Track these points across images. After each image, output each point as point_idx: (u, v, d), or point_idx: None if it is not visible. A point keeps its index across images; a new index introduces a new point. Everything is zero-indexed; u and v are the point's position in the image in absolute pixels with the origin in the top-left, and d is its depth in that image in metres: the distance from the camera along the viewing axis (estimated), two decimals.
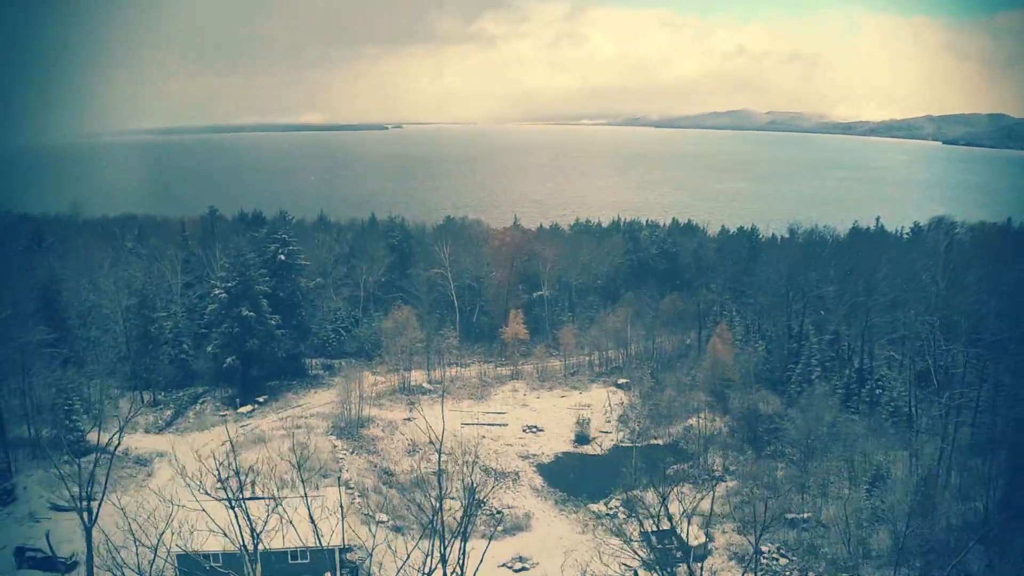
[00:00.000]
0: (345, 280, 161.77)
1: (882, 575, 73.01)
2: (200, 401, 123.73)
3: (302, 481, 60.64)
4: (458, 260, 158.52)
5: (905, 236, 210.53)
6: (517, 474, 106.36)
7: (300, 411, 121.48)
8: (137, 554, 56.44)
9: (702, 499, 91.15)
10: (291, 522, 60.36)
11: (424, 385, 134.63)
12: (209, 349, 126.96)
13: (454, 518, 72.34)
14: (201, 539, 64.42)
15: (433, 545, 54.15)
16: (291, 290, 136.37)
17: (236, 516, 52.88)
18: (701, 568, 66.34)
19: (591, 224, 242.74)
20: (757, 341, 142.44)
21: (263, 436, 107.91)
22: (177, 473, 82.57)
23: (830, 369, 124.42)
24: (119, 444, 60.95)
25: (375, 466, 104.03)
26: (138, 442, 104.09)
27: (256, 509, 71.99)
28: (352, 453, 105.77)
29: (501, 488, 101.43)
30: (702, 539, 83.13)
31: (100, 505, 58.19)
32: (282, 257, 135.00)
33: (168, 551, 70.47)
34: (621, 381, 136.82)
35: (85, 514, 56.10)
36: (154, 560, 51.06)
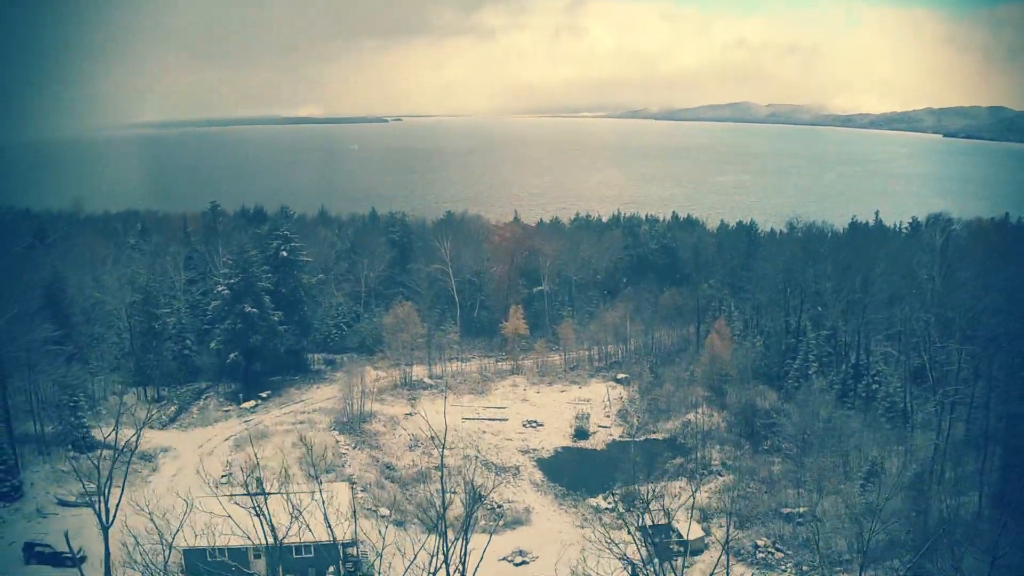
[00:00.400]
0: (346, 275, 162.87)
1: (875, 570, 74.13)
2: (203, 397, 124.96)
3: (316, 477, 61.70)
4: (458, 255, 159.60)
5: (904, 231, 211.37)
6: (517, 469, 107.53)
7: (303, 406, 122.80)
8: (140, 551, 57.99)
9: (696, 493, 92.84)
10: (296, 517, 61.84)
11: (425, 380, 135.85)
12: (212, 345, 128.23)
13: (456, 514, 73.87)
14: (207, 534, 65.83)
15: (436, 541, 55.62)
16: (293, 286, 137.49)
17: (260, 514, 53.94)
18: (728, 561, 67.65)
19: (591, 219, 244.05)
20: (755, 336, 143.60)
21: (266, 432, 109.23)
22: (182, 469, 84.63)
23: (827, 364, 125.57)
24: (136, 446, 61.92)
25: (377, 461, 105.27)
26: (142, 437, 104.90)
27: (262, 504, 73.45)
28: (354, 448, 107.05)
29: (501, 483, 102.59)
30: (699, 533, 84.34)
31: (118, 505, 59.20)
32: (284, 254, 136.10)
33: (174, 546, 72.09)
34: (620, 376, 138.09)
35: (103, 513, 57.01)
36: (168, 554, 52.23)
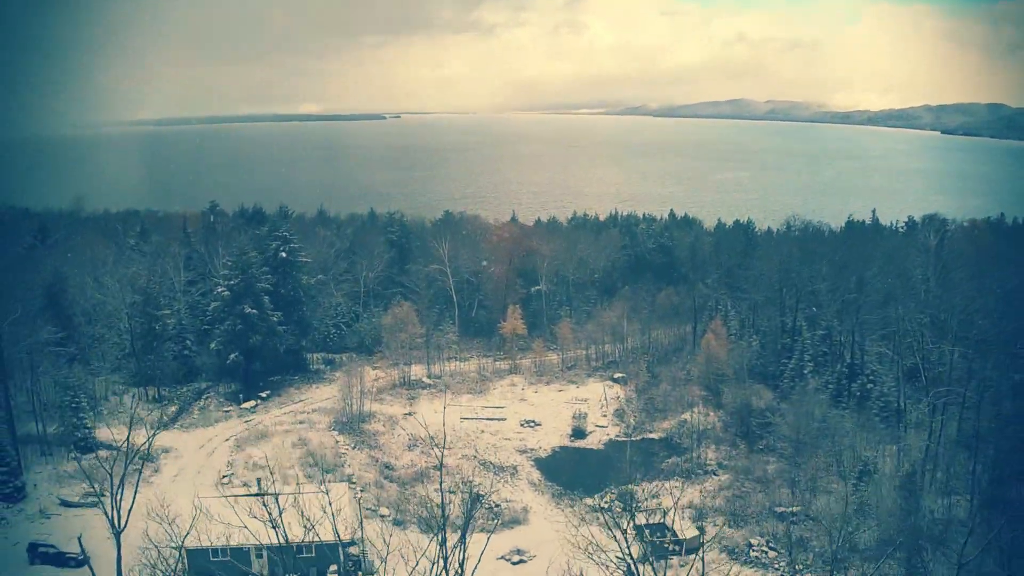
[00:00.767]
0: (345, 275, 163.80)
1: (867, 568, 75.20)
2: (204, 397, 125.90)
3: (323, 480, 62.52)
4: (457, 255, 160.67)
5: (900, 230, 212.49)
6: (515, 468, 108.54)
7: (302, 406, 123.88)
8: (150, 554, 59.08)
9: (691, 492, 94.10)
10: (299, 517, 62.90)
11: (424, 380, 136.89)
12: (212, 346, 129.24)
13: (454, 512, 74.86)
14: (209, 534, 66.87)
15: (435, 540, 56.59)
16: (292, 287, 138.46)
17: (268, 514, 54.77)
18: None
19: (588, 218, 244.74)
20: (752, 335, 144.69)
21: (267, 432, 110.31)
22: (183, 469, 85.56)
23: (822, 364, 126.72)
24: (148, 452, 62.64)
25: (376, 461, 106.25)
26: (143, 437, 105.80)
27: (264, 504, 74.54)
28: (354, 448, 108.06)
29: (499, 482, 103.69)
30: (694, 532, 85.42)
31: (131, 510, 60.02)
32: (283, 255, 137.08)
33: (175, 546, 73.18)
34: (617, 375, 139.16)
35: (115, 518, 57.86)
36: (180, 555, 53.16)
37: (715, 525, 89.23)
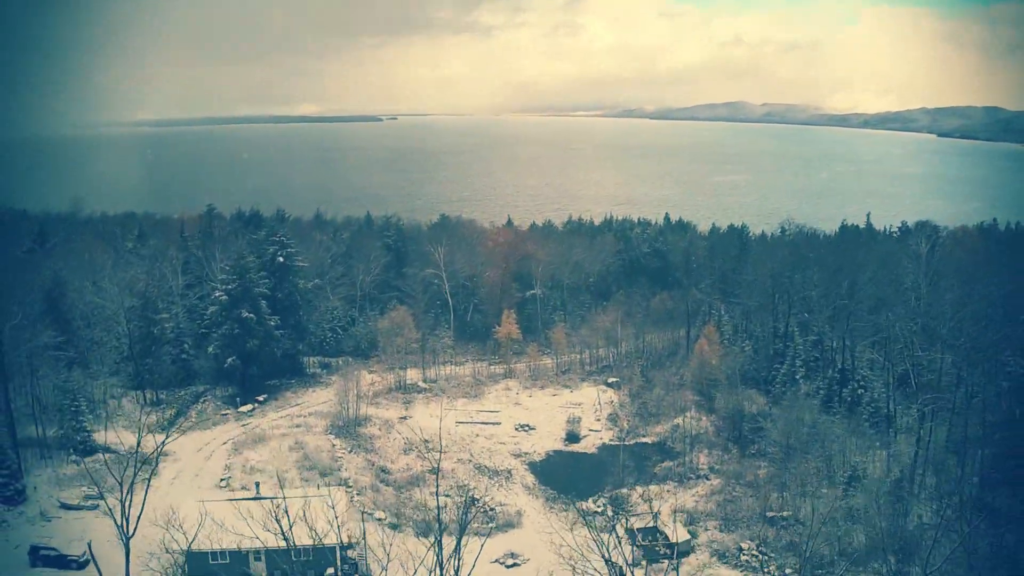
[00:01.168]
0: (342, 279, 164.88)
1: (856, 572, 76.57)
2: (201, 400, 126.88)
3: (327, 484, 63.82)
4: (452, 260, 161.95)
5: (894, 234, 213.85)
6: (509, 472, 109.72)
7: (299, 410, 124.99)
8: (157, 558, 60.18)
9: (683, 497, 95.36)
10: (297, 520, 64.16)
11: (420, 384, 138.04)
12: (210, 350, 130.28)
13: (450, 516, 76.11)
14: (209, 537, 68.02)
15: (431, 543, 57.81)
16: (289, 291, 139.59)
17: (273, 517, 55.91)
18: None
19: (583, 222, 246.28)
20: (744, 341, 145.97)
21: (264, 435, 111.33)
22: (181, 472, 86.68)
23: (814, 369, 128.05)
24: (157, 459, 63.66)
25: (372, 464, 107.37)
26: (142, 441, 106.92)
27: (261, 508, 75.84)
28: (350, 452, 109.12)
29: (494, 486, 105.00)
30: (686, 536, 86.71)
31: (139, 517, 61.07)
32: (281, 259, 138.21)
33: (177, 550, 74.41)
34: (611, 380, 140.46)
35: (124, 524, 59.01)
36: (187, 557, 54.30)
37: (706, 529, 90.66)
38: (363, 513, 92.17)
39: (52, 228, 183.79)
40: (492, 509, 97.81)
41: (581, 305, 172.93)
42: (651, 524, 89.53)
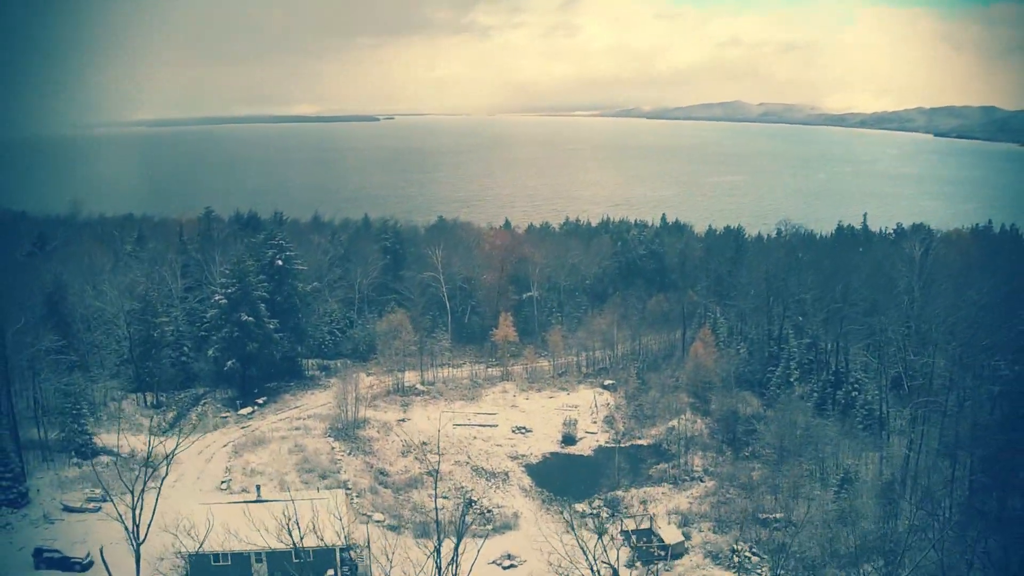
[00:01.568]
0: (340, 282, 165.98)
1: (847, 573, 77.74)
2: (201, 403, 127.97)
3: (330, 482, 64.84)
4: (450, 263, 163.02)
5: (889, 236, 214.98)
6: (506, 474, 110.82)
7: (298, 412, 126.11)
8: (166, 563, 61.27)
9: (676, 499, 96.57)
10: (297, 522, 65.37)
11: (417, 386, 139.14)
12: (210, 353, 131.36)
13: (448, 519, 77.33)
14: (210, 540, 69.16)
15: (429, 545, 58.98)
16: (288, 294, 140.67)
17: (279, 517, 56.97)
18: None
19: (580, 224, 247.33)
20: (740, 343, 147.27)
21: (263, 438, 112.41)
22: (183, 475, 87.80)
23: (808, 372, 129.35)
24: (167, 471, 64.77)
25: (371, 467, 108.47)
26: (143, 444, 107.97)
27: (262, 510, 77.23)
28: (349, 454, 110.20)
29: (491, 488, 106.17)
30: (679, 538, 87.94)
31: (150, 524, 62.00)
32: (279, 262, 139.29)
33: (178, 552, 75.73)
34: (607, 382, 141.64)
35: (135, 531, 60.11)
36: (189, 559, 55.30)
37: (700, 531, 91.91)
38: (362, 515, 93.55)
39: (52, 231, 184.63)
40: (489, 511, 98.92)
41: (578, 307, 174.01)
42: (646, 526, 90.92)
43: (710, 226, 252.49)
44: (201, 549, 69.62)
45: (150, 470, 61.60)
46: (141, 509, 59.04)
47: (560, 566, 61.38)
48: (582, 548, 57.34)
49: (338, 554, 79.27)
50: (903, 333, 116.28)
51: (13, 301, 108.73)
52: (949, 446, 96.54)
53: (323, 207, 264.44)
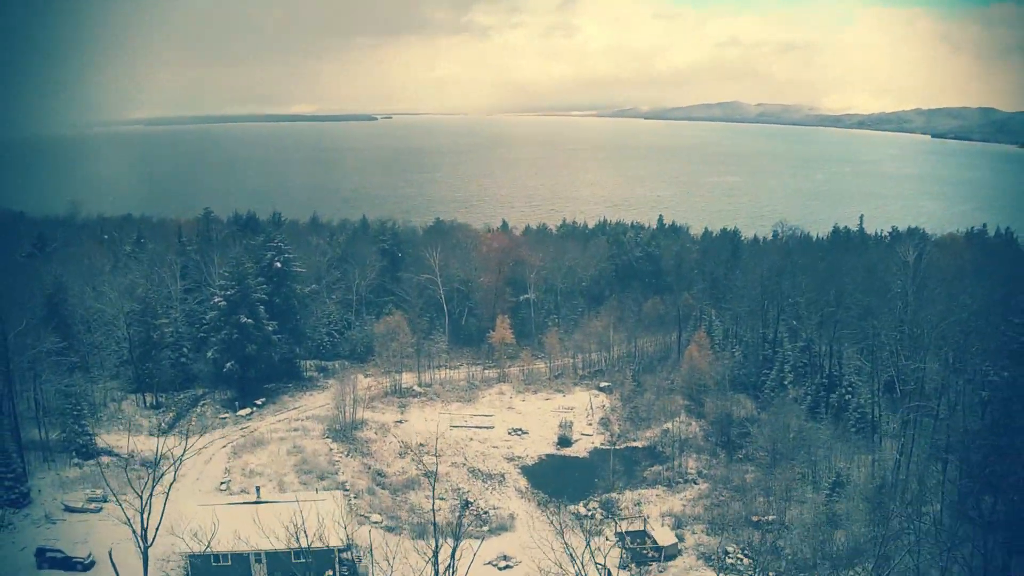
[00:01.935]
0: (338, 283, 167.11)
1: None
2: (200, 404, 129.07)
3: (328, 483, 65.86)
4: (447, 265, 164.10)
5: (885, 239, 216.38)
6: (503, 476, 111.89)
7: (296, 413, 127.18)
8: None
9: (670, 501, 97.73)
10: (296, 523, 66.54)
11: (415, 388, 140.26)
12: (209, 354, 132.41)
13: (445, 520, 78.44)
14: (210, 540, 70.25)
15: (426, 546, 60.04)
16: (287, 296, 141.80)
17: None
18: None
19: (577, 226, 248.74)
20: (735, 346, 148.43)
21: (262, 439, 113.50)
22: (183, 476, 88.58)
23: (802, 375, 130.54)
24: (176, 477, 65.90)
25: (369, 468, 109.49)
26: (143, 444, 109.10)
27: (262, 511, 78.31)
28: (347, 455, 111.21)
29: (488, 489, 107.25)
30: (673, 540, 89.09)
31: (158, 528, 62.99)
32: (278, 265, 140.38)
33: (178, 552, 76.82)
34: (603, 384, 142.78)
35: (143, 535, 61.15)
36: (189, 560, 56.30)
37: (693, 533, 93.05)
38: (360, 516, 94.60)
39: (51, 232, 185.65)
40: (486, 512, 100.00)
41: (574, 309, 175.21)
42: (639, 527, 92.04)
43: (706, 228, 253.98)
44: (201, 550, 70.65)
45: (158, 475, 62.59)
46: (149, 513, 60.07)
47: (550, 572, 62.29)
48: (570, 555, 58.50)
49: (336, 555, 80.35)
50: (896, 337, 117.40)
51: (14, 303, 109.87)
52: (940, 450, 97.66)
53: (321, 208, 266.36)
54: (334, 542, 76.67)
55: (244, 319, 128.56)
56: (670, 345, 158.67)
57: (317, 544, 70.91)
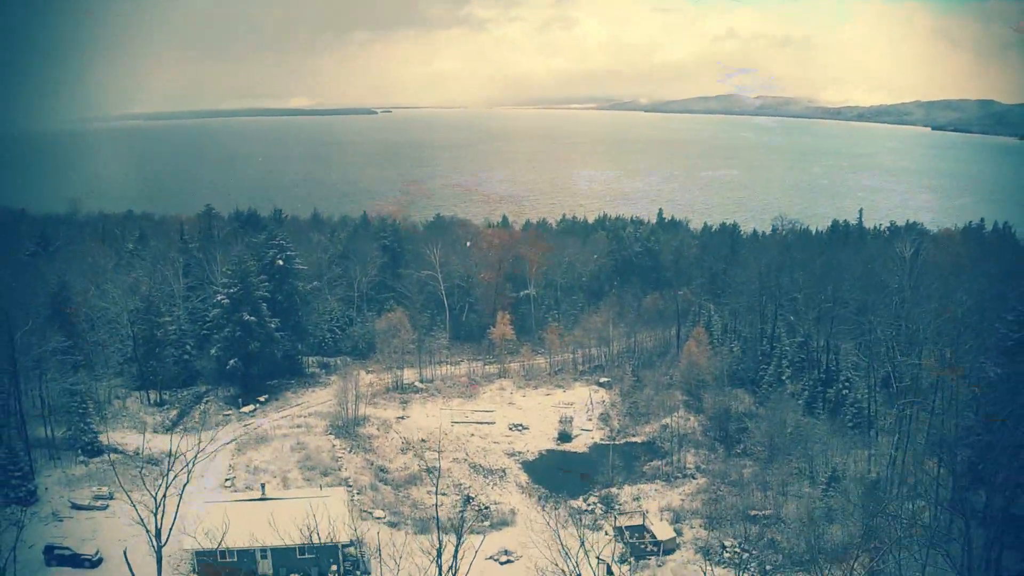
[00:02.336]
0: (339, 280, 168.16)
1: (833, 570, 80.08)
2: (204, 400, 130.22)
3: (331, 480, 67.04)
4: (448, 261, 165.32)
5: (884, 233, 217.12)
6: (504, 471, 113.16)
7: (299, 410, 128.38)
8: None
9: (668, 496, 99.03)
10: (300, 519, 67.89)
11: (416, 384, 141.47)
12: (213, 352, 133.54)
13: (446, 515, 79.73)
14: (215, 537, 71.52)
15: (429, 541, 61.17)
16: (289, 293, 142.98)
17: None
18: None
19: (577, 221, 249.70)
20: (733, 341, 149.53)
21: (266, 436, 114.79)
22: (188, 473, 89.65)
23: (800, 370, 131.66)
24: (189, 479, 67.06)
25: (371, 464, 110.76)
26: (148, 441, 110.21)
27: (268, 508, 79.71)
28: (349, 452, 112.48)
29: (488, 485, 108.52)
30: (671, 534, 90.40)
31: (171, 528, 64.08)
32: (280, 262, 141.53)
33: (185, 548, 78.11)
34: (603, 380, 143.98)
35: (156, 535, 62.22)
36: (196, 556, 57.31)
37: (691, 527, 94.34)
38: (363, 512, 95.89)
39: (53, 230, 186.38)
40: (487, 507, 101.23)
41: (574, 305, 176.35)
42: (638, 522, 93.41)
43: (706, 223, 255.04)
44: (208, 546, 71.89)
45: (172, 476, 63.72)
46: (163, 513, 61.23)
47: (550, 567, 63.52)
48: (564, 554, 59.68)
49: (340, 550, 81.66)
50: (892, 333, 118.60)
51: (19, 303, 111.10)
52: (935, 445, 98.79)
53: (322, 203, 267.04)
54: (338, 538, 77.92)
55: (247, 317, 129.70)
56: (669, 340, 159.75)
57: (321, 540, 72.26)
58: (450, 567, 59.95)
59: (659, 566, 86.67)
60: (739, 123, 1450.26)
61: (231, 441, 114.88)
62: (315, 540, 71.71)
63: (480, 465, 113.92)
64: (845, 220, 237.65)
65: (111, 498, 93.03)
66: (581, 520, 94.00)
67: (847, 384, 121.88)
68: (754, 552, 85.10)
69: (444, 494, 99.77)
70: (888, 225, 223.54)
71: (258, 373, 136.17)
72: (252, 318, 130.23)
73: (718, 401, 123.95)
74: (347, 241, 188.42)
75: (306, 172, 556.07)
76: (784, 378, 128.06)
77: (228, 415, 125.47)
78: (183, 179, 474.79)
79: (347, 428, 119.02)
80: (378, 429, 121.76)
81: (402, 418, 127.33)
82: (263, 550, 78.95)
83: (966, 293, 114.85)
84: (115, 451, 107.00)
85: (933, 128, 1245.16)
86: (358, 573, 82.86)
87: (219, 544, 71.07)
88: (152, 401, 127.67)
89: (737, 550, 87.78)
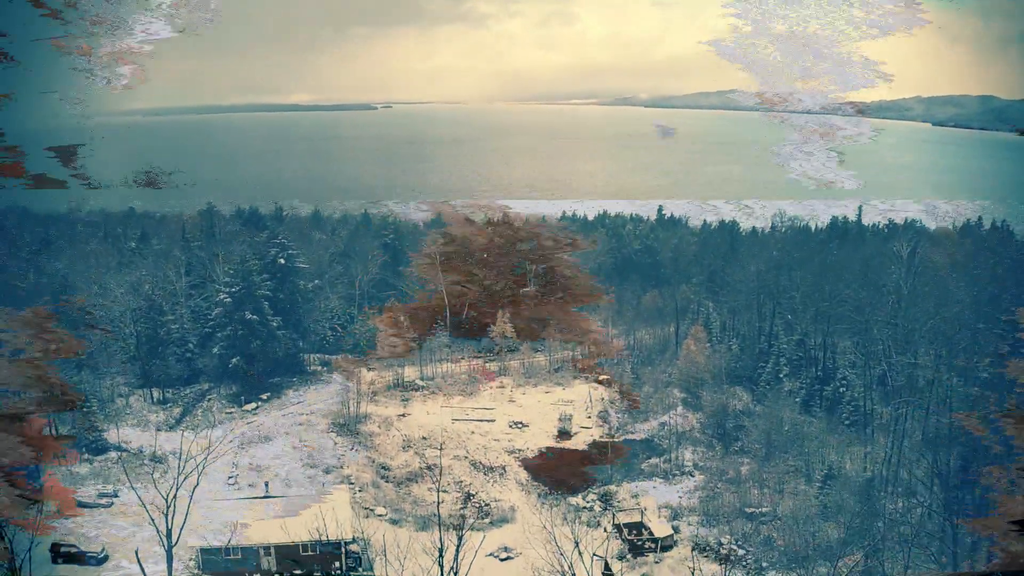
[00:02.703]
0: (340, 278, 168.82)
1: (828, 566, 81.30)
2: (207, 398, 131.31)
3: (333, 477, 68.17)
4: (448, 259, 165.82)
5: (883, 230, 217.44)
6: (504, 468, 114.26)
7: (300, 408, 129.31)
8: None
9: (666, 493, 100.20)
10: (305, 516, 69.06)
11: (417, 381, 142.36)
12: (215, 350, 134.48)
13: (447, 512, 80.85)
14: (220, 534, 72.78)
15: (430, 538, 62.17)
16: (291, 291, 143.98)
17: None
18: None
19: (577, 217, 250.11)
20: (731, 339, 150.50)
21: (268, 434, 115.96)
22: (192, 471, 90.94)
23: (797, 368, 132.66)
24: (199, 481, 68.18)
25: (373, 461, 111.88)
26: (152, 439, 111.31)
27: (271, 505, 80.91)
28: (351, 449, 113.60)
29: (489, 482, 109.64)
30: (669, 531, 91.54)
31: (183, 528, 65.10)
32: (282, 261, 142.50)
33: (190, 545, 79.26)
34: (602, 377, 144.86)
35: (167, 535, 63.22)
36: (200, 553, 58.35)
37: (689, 524, 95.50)
38: (365, 509, 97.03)
39: (55, 228, 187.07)
40: (487, 504, 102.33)
41: None
42: (636, 519, 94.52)
43: (705, 220, 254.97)
44: (213, 543, 73.07)
45: (182, 478, 64.79)
46: (174, 514, 62.29)
47: (549, 563, 64.58)
48: (559, 555, 60.65)
49: (343, 547, 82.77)
50: (888, 332, 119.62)
51: (23, 302, 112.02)
52: (930, 444, 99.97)
53: (322, 200, 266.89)
54: (340, 535, 79.06)
55: (249, 315, 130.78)
56: (668, 338, 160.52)
57: (324, 537, 73.39)
58: (451, 567, 60.91)
59: (656, 563, 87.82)
60: (739, 118, 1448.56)
61: (234, 440, 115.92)
62: (317, 537, 72.84)
63: (480, 462, 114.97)
64: (844, 216, 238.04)
65: (116, 496, 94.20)
66: (580, 517, 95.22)
67: (844, 382, 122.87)
68: (750, 549, 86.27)
69: (445, 491, 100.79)
70: (887, 223, 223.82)
71: (260, 371, 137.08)
72: (254, 317, 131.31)
73: (716, 399, 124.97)
74: (348, 239, 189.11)
75: (308, 169, 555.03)
76: (782, 376, 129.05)
77: (231, 413, 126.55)
78: (183, 176, 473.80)
79: (348, 426, 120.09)
80: (379, 426, 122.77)
81: (403, 415, 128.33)
82: (266, 547, 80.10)
83: (963, 292, 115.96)
84: (119, 449, 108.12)
85: (934, 123, 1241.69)
86: (361, 570, 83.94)
87: (224, 541, 72.23)
88: (155, 399, 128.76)
89: (733, 547, 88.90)
